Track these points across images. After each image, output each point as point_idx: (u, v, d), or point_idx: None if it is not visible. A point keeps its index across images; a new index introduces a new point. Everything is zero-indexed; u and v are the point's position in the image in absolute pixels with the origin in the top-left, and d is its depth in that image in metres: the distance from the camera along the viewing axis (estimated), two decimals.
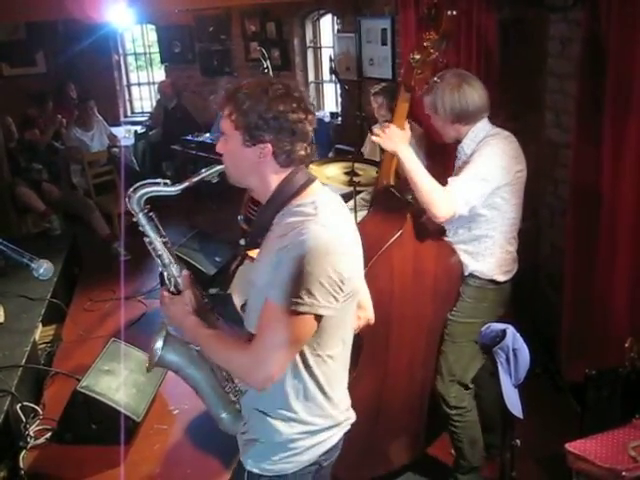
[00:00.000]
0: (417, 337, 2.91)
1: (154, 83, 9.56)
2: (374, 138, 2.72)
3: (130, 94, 9.91)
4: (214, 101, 1.84)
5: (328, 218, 1.69)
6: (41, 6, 6.45)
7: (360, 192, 4.61)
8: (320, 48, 7.81)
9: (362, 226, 2.83)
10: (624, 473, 2.42)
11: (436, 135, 3.21)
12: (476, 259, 2.83)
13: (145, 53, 9.94)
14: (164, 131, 8.37)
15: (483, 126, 2.82)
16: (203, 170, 1.93)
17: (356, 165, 4.20)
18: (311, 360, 1.75)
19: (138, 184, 1.88)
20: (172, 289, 1.91)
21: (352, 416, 1.94)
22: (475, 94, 2.77)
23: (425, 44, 2.63)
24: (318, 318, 1.66)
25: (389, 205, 2.82)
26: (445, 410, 2.97)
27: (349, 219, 1.84)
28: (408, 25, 4.93)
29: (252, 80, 1.77)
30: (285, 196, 1.75)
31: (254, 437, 1.86)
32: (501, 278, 2.87)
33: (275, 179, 1.76)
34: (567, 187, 3.69)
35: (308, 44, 7.78)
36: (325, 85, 7.94)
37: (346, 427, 1.91)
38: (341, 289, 1.67)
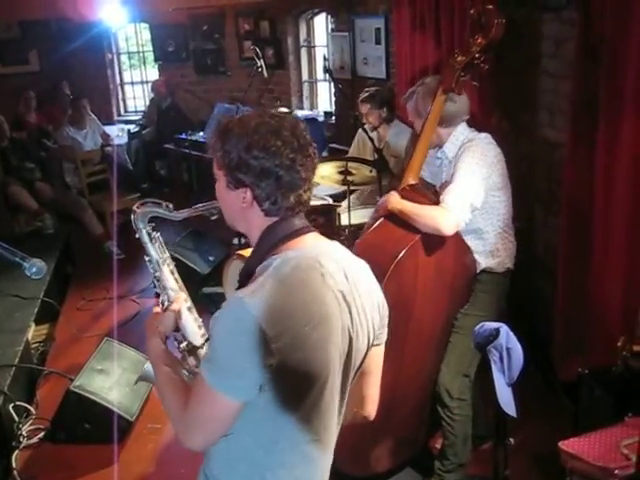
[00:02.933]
0: (432, 334, 2.95)
1: (147, 82, 9.53)
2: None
3: (123, 93, 9.88)
4: (207, 139, 1.65)
5: (265, 291, 1.40)
6: (35, 5, 6.45)
7: (353, 191, 4.62)
8: (314, 47, 7.81)
9: (389, 220, 2.85)
10: (616, 471, 2.43)
11: None
12: (487, 255, 2.94)
13: (138, 52, 9.91)
14: (157, 130, 8.35)
15: (462, 129, 2.92)
16: (200, 205, 1.84)
17: (350, 164, 4.21)
18: (249, 443, 1.51)
19: (142, 201, 1.84)
20: (163, 307, 1.83)
21: None
22: (455, 97, 2.84)
23: (472, 48, 2.74)
24: (230, 398, 1.42)
25: (418, 201, 2.84)
26: (446, 402, 2.99)
27: (341, 281, 1.51)
28: (402, 24, 4.93)
29: (248, 113, 1.58)
30: (264, 249, 1.54)
31: None
32: (512, 265, 3.01)
33: (259, 228, 1.55)
34: (561, 186, 3.70)
35: (302, 43, 7.78)
36: (319, 84, 7.94)
37: None
38: (258, 376, 1.39)
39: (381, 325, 1.66)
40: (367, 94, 4.84)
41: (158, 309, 1.81)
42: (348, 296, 1.52)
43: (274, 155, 1.47)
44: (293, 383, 1.44)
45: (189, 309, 1.81)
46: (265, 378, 1.40)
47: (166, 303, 1.82)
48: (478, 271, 2.95)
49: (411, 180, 2.89)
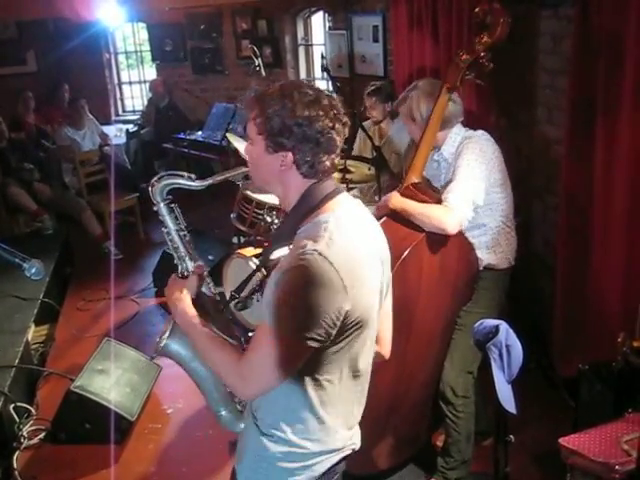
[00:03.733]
0: (434, 331, 2.95)
1: (145, 81, 9.51)
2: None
3: (121, 93, 9.86)
4: (241, 101, 1.74)
5: (335, 243, 1.55)
6: (32, 5, 6.44)
7: (351, 189, 4.62)
8: (311, 45, 7.81)
9: (392, 219, 2.86)
10: (617, 467, 2.43)
11: None
12: (489, 251, 2.95)
13: (136, 51, 9.89)
14: (156, 129, 8.34)
15: (458, 130, 2.93)
16: (228, 171, 1.90)
17: (348, 162, 4.21)
18: (306, 381, 1.65)
19: (162, 173, 1.86)
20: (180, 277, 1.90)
21: (354, 443, 1.85)
22: (449, 101, 2.83)
23: (477, 47, 2.75)
24: (306, 347, 1.56)
25: (421, 199, 2.84)
26: (451, 399, 3.00)
27: (371, 237, 1.71)
28: (400, 22, 4.94)
29: (285, 82, 1.68)
30: (305, 209, 1.66)
31: (246, 445, 1.81)
32: (513, 260, 3.02)
33: (297, 190, 1.67)
34: (559, 183, 3.70)
35: (299, 41, 7.78)
36: (317, 82, 7.93)
37: (344, 453, 1.81)
38: (334, 324, 1.55)
39: (389, 276, 1.82)
40: (373, 87, 4.84)
41: (174, 276, 1.88)
42: (381, 251, 1.73)
43: (315, 122, 1.59)
44: (355, 326, 1.61)
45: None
46: (339, 324, 1.56)
47: (185, 273, 1.89)
48: (481, 268, 2.95)
49: (414, 179, 2.89)
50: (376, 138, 4.84)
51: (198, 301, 1.83)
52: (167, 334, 1.85)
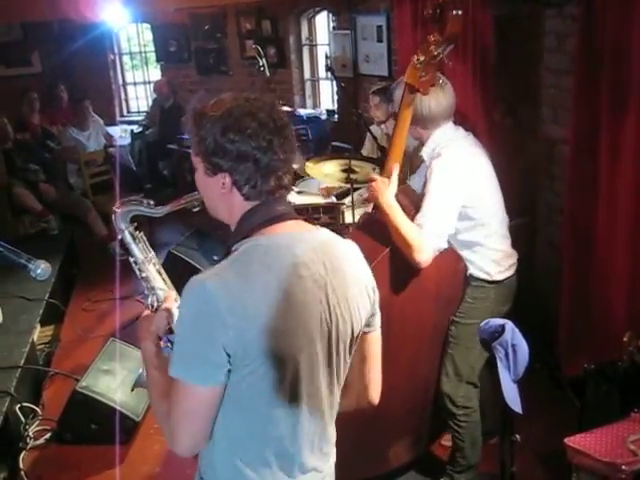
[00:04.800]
0: (419, 338, 2.91)
1: (150, 82, 9.53)
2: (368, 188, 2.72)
3: (126, 93, 9.89)
4: (184, 123, 1.65)
5: (227, 272, 1.41)
6: (36, 6, 6.45)
7: (357, 189, 4.62)
8: (316, 45, 7.82)
9: (363, 228, 2.80)
10: (623, 467, 2.42)
11: None
12: (472, 264, 2.84)
13: (140, 52, 9.92)
14: (160, 130, 8.36)
15: (442, 132, 2.77)
16: (182, 198, 1.80)
17: (353, 162, 4.21)
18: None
19: (121, 200, 1.80)
20: (152, 310, 1.80)
21: None
22: (432, 101, 2.69)
23: (430, 47, 2.55)
24: (199, 389, 1.41)
25: (402, 204, 2.76)
26: (451, 410, 2.96)
27: (321, 268, 1.48)
28: (404, 22, 4.92)
29: (224, 96, 1.52)
30: (242, 232, 1.50)
31: None
32: (500, 277, 2.86)
33: (240, 214, 1.52)
34: (564, 183, 3.69)
35: (304, 41, 7.79)
36: (321, 82, 7.94)
37: None
38: (219, 359, 1.38)
39: (373, 310, 1.64)
40: (379, 87, 4.84)
41: (148, 312, 1.77)
42: (325, 286, 1.48)
43: (250, 137, 1.44)
44: (258, 366, 1.41)
45: None
46: (230, 360, 1.39)
47: (155, 304, 1.81)
48: (469, 275, 2.85)
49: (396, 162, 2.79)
50: (381, 138, 4.84)
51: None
52: (141, 367, 1.76)
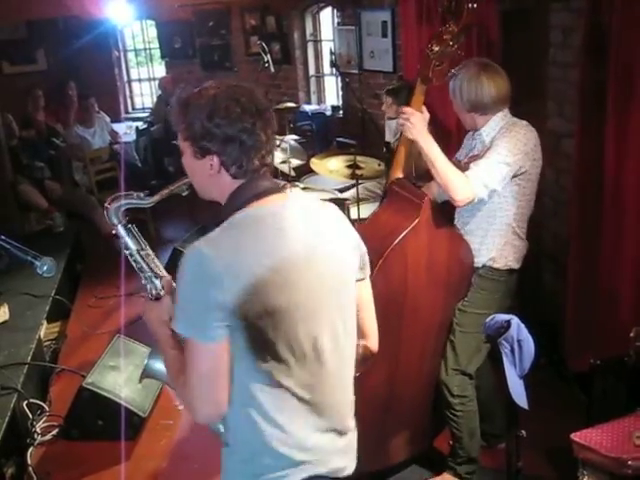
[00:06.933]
0: (429, 329, 2.92)
1: (155, 79, 9.55)
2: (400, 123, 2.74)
3: (131, 90, 9.90)
4: (169, 112, 1.73)
5: (219, 236, 1.54)
6: (41, 3, 6.45)
7: (361, 184, 4.62)
8: (320, 41, 7.80)
9: (376, 217, 2.82)
10: (629, 462, 2.42)
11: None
12: (491, 249, 2.84)
13: (145, 49, 9.93)
14: (165, 127, 8.33)
15: (503, 116, 2.82)
16: (171, 185, 1.87)
17: (358, 158, 4.21)
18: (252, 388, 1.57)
19: (112, 196, 1.85)
20: (152, 298, 1.89)
21: (322, 463, 1.69)
22: (492, 86, 2.75)
23: (445, 36, 2.66)
24: (206, 346, 1.51)
25: (404, 196, 2.81)
26: (448, 399, 2.97)
27: (310, 232, 1.61)
28: (409, 17, 4.91)
29: (207, 85, 1.63)
30: (230, 210, 1.61)
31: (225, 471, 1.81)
32: (516, 266, 2.89)
33: (229, 191, 1.64)
34: (570, 177, 3.68)
35: (308, 37, 7.77)
36: (326, 78, 7.92)
37: (305, 472, 1.66)
38: (217, 316, 1.49)
39: (362, 263, 1.75)
40: (392, 87, 4.84)
41: (149, 301, 1.89)
42: (313, 247, 1.60)
43: (235, 121, 1.56)
44: (257, 322, 1.51)
45: None
46: (228, 316, 1.48)
47: (154, 292, 1.91)
48: (480, 265, 2.86)
49: (399, 174, 2.87)
50: (390, 132, 4.84)
51: None
52: (147, 355, 1.85)
